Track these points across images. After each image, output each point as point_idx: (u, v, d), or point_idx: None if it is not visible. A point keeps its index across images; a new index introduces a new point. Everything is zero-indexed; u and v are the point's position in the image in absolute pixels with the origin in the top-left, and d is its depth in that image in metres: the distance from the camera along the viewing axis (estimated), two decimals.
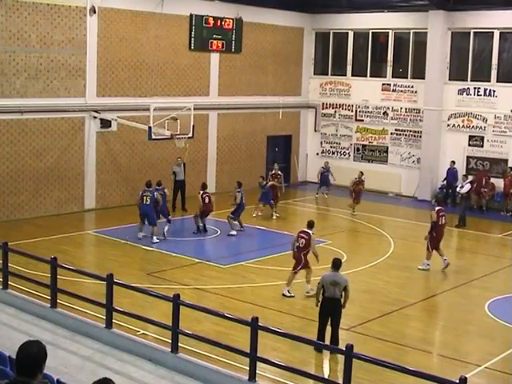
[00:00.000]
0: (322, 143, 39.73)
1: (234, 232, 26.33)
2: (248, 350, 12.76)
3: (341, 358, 12.44)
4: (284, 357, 14.57)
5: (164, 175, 30.71)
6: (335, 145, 39.31)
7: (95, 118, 29.52)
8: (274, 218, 28.95)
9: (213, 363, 13.69)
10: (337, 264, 16.14)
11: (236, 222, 26.64)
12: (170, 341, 13.88)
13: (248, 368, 12.76)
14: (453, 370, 14.00)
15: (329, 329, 15.73)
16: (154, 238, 24.75)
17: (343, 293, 15.83)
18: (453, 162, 34.65)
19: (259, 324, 12.63)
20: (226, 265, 22.63)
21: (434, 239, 22.90)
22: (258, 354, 12.70)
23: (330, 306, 15.79)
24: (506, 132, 33.88)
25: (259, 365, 12.83)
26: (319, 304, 16.01)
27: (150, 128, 27.59)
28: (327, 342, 15.40)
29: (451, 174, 34.46)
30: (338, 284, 15.72)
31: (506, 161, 33.79)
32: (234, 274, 21.73)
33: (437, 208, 23.42)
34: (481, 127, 34.57)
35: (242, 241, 26.16)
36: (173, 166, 30.10)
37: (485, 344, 17.32)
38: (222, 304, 18.43)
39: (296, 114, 39.33)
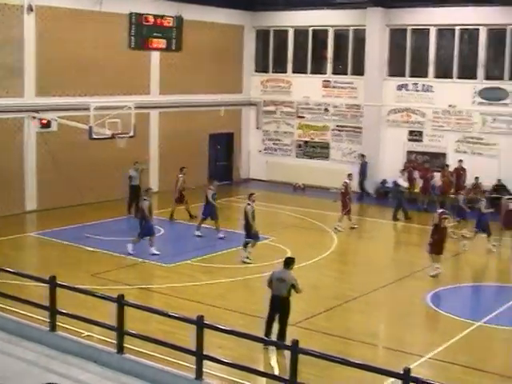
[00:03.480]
0: (263, 140, 39.83)
1: (221, 234, 25.98)
2: (194, 349, 12.78)
3: (287, 353, 12.50)
4: (230, 354, 14.61)
5: (106, 175, 30.58)
6: (277, 142, 39.46)
7: (34, 118, 29.16)
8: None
9: (159, 363, 13.66)
10: (287, 262, 16.26)
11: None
12: (116, 342, 13.82)
13: (195, 366, 12.78)
14: (397, 362, 14.19)
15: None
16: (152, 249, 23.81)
17: (291, 292, 15.85)
18: (363, 156, 35.51)
19: (205, 322, 12.65)
20: (171, 264, 22.59)
21: (435, 242, 22.39)
22: (205, 352, 12.72)
23: (277, 304, 15.92)
24: (443, 126, 34.41)
25: (206, 363, 12.85)
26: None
27: (90, 128, 27.38)
28: (274, 337, 15.55)
29: (363, 167, 35.16)
30: (284, 281, 15.80)
31: (444, 155, 34.33)
32: (178, 273, 21.70)
33: (440, 211, 23.08)
34: (419, 122, 35.06)
35: (187, 239, 26.11)
36: (130, 170, 29.56)
37: (427, 335, 17.62)
38: (168, 303, 18.40)
39: (238, 111, 39.38)
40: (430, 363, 15.47)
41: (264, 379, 14.08)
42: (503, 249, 25.54)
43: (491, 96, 33.34)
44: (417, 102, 35.11)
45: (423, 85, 34.95)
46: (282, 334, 15.79)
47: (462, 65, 34.33)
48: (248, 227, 22.93)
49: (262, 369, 14.53)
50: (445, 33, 34.83)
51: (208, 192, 26.19)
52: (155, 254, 23.29)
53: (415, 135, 35.27)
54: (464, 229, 26.98)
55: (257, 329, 15.95)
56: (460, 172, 32.65)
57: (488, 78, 33.61)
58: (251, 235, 22.92)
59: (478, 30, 33.54)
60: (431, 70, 34.78)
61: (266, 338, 15.13)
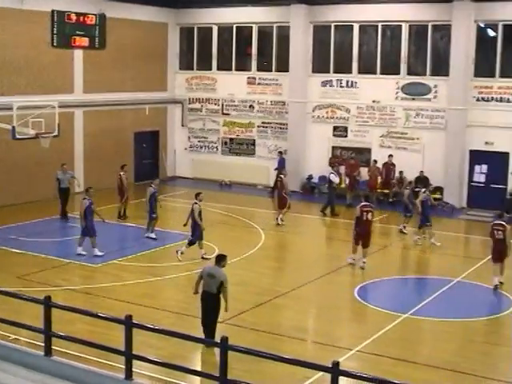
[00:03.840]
0: (189, 138, 39.73)
1: (153, 235, 25.81)
2: (123, 349, 12.67)
3: (217, 350, 12.49)
4: (160, 353, 14.55)
5: (30, 176, 30.12)
6: (203, 139, 39.40)
7: None
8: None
9: (88, 364, 13.51)
10: (218, 259, 16.31)
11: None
12: (43, 344, 13.62)
13: (124, 367, 12.67)
14: (326, 356, 14.31)
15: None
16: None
17: (222, 290, 15.86)
18: (280, 153, 35.95)
19: (133, 322, 12.55)
20: (98, 264, 22.38)
21: (358, 235, 22.93)
22: (134, 352, 12.62)
23: (206, 300, 15.97)
24: (368, 122, 34.83)
25: (135, 362, 12.76)
26: (198, 294, 16.27)
27: (13, 127, 26.93)
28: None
29: (280, 163, 35.46)
30: (213, 277, 15.84)
31: (369, 150, 34.78)
32: (106, 273, 21.52)
33: (362, 203, 23.36)
34: (344, 118, 35.42)
35: (114, 239, 25.90)
36: (57, 172, 29.01)
37: (355, 328, 17.83)
38: (96, 304, 18.23)
39: (163, 109, 39.18)
40: (359, 356, 15.66)
41: (195, 377, 14.05)
42: (427, 241, 25.95)
43: (414, 91, 33.88)
44: (341, 98, 35.46)
45: (347, 81, 35.32)
46: (211, 331, 15.83)
47: (385, 61, 34.80)
48: (195, 226, 22.93)
49: (192, 367, 14.49)
50: (368, 29, 35.25)
51: (149, 190, 26.03)
52: (98, 255, 23.06)
53: (340, 131, 35.63)
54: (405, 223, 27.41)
55: (186, 327, 15.93)
56: (390, 167, 33.10)
57: (410, 73, 34.14)
58: (197, 234, 22.94)
59: (400, 26, 34.04)
60: (355, 66, 35.16)
61: (194, 336, 15.08)
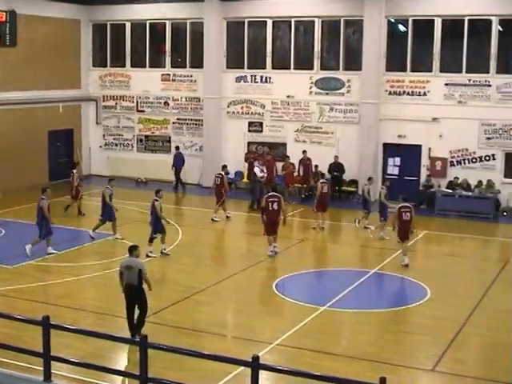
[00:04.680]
0: (104, 136, 39.37)
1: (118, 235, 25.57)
2: (41, 350, 12.52)
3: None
4: (79, 353, 14.41)
5: None
6: (118, 137, 39.09)
7: None
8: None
9: (5, 367, 13.30)
10: (130, 250, 16.36)
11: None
12: None
13: (43, 368, 12.52)
14: (247, 350, 14.39)
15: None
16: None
17: (143, 278, 15.99)
18: (177, 148, 36.39)
19: (51, 323, 12.41)
20: (14, 265, 21.98)
21: (267, 225, 23.50)
22: (52, 353, 12.48)
23: (131, 293, 15.99)
24: (283, 117, 35.09)
25: (54, 364, 12.62)
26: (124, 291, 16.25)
27: None
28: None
29: (178, 159, 35.87)
30: (131, 268, 15.90)
31: (284, 145, 35.05)
32: (22, 274, 21.16)
33: (268, 194, 23.97)
34: (259, 113, 35.60)
35: (29, 239, 25.46)
36: None
37: (275, 322, 17.95)
38: (12, 305, 17.90)
39: (77, 107, 38.71)
40: (279, 350, 15.79)
41: (116, 377, 13.97)
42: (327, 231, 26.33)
43: (327, 86, 34.26)
44: (256, 94, 35.63)
45: (261, 76, 35.50)
46: (139, 324, 16.00)
47: (299, 56, 35.09)
48: (156, 222, 23.08)
49: (114, 366, 14.40)
50: (281, 25, 35.49)
51: (105, 192, 25.69)
52: (51, 253, 23.04)
53: (255, 126, 35.81)
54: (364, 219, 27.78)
55: (104, 326, 15.83)
56: (306, 162, 33.36)
57: (324, 68, 34.50)
58: (158, 230, 23.11)
59: (313, 21, 34.35)
60: (269, 61, 35.36)
61: (113, 335, 14.98)
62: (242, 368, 13.09)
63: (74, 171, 29.23)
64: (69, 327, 13.22)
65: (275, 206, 23.46)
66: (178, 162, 35.94)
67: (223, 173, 29.62)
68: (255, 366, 10.79)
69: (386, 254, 23.99)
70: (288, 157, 33.61)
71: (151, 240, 23.16)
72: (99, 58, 39.59)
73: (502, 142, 31.43)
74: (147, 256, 22.64)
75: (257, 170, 31.59)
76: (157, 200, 23.26)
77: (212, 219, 28.39)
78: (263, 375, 11.86)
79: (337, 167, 33.12)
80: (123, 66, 38.74)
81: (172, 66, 37.65)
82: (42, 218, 23.07)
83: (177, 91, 37.45)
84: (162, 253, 23.18)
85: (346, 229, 28.91)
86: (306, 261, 24.25)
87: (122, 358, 15.33)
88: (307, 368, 12.94)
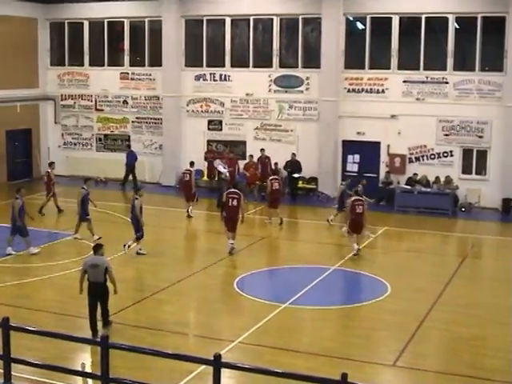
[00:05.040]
0: (63, 135, 39.09)
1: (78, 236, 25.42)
2: (1, 352, 12.40)
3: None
4: (40, 355, 14.30)
5: None
6: (77, 136, 38.84)
7: None
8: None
9: None
10: (95, 248, 16.56)
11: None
12: None
13: (2, 371, 12.41)
14: (208, 349, 14.38)
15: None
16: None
17: (107, 277, 16.23)
18: (128, 146, 36.53)
19: (10, 324, 12.30)
20: None
21: (226, 221, 23.91)
22: (13, 355, 12.37)
23: (95, 291, 16.11)
24: (242, 115, 35.13)
25: (15, 366, 12.51)
26: (83, 290, 16.38)
27: None
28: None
29: (131, 157, 35.91)
30: (97, 266, 16.09)
31: (244, 143, 35.08)
32: None
33: (228, 191, 24.33)
34: (219, 111, 35.60)
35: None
36: None
37: (236, 320, 17.98)
38: None
39: (35, 106, 38.36)
40: (241, 347, 15.81)
41: (78, 378, 13.89)
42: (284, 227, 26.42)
43: (286, 84, 34.36)
44: (215, 92, 35.62)
45: (220, 74, 35.50)
46: (105, 320, 16.26)
47: (258, 54, 35.15)
48: (137, 221, 23.17)
49: (75, 367, 14.30)
50: (240, 23, 35.51)
51: (80, 192, 25.56)
52: (10, 254, 22.95)
53: (215, 124, 35.80)
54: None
55: (65, 327, 15.73)
56: (265, 160, 33.35)
57: (283, 66, 34.61)
58: (140, 229, 23.20)
59: (271, 19, 34.42)
60: (228, 59, 35.37)
61: (74, 336, 14.89)
62: (204, 366, 13.09)
63: (48, 170, 29.58)
64: (29, 328, 13.11)
65: (234, 203, 23.70)
66: (131, 160, 35.78)
67: (192, 169, 29.68)
68: (217, 364, 10.80)
69: (347, 250, 24.10)
70: (252, 156, 33.61)
71: (138, 239, 23.31)
72: (57, 57, 39.27)
73: (460, 138, 31.77)
74: (137, 254, 23.03)
75: (220, 167, 31.62)
76: (137, 198, 23.34)
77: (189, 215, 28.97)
78: (225, 373, 11.88)
79: (293, 165, 33.15)
80: (81, 64, 38.48)
81: (131, 65, 37.49)
82: (13, 217, 22.99)
83: (136, 90, 37.29)
84: (137, 253, 23.27)
85: (306, 226, 29.05)
86: (267, 258, 24.32)
87: (83, 359, 15.21)
88: (269, 365, 12.98)
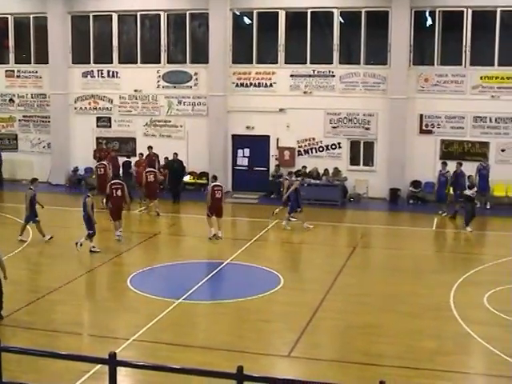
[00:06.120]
0: None
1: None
2: None
3: None
4: None
5: None
6: None
7: None
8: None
9: None
10: None
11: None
12: None
13: None
14: (104, 348, 14.24)
15: None
16: None
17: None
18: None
19: None
20: None
21: (112, 211, 24.94)
22: None
23: None
24: (131, 111, 34.94)
25: None
26: None
27: None
28: None
29: None
30: None
31: (134, 139, 34.92)
32: None
33: (112, 181, 25.37)
34: (107, 108, 35.31)
35: None
36: None
37: (131, 318, 17.87)
38: None
39: None
40: (136, 345, 15.76)
41: None
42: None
43: (175, 79, 34.38)
44: (103, 89, 35.33)
45: (108, 71, 35.21)
46: None
47: (146, 50, 35.04)
48: (89, 219, 23.24)
49: None
50: (127, 19, 35.26)
51: (28, 193, 25.01)
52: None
53: (104, 121, 35.51)
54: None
55: None
56: (152, 158, 33.14)
57: (171, 61, 34.60)
58: (91, 227, 23.22)
59: (158, 15, 34.34)
60: (115, 56, 35.11)
61: None
62: (100, 366, 13.02)
63: None
64: None
65: (119, 193, 24.84)
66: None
67: (105, 163, 29.70)
68: (112, 362, 10.76)
69: (239, 244, 24.31)
70: (142, 154, 33.32)
71: (90, 236, 23.36)
72: None
73: (347, 130, 32.45)
74: (91, 251, 23.06)
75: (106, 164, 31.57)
76: (88, 196, 23.38)
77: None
78: (121, 372, 11.84)
79: (176, 163, 32.55)
80: None
81: (16, 62, 36.78)
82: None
83: (22, 88, 36.61)
84: (91, 251, 23.31)
85: (199, 221, 29.06)
86: (160, 255, 24.29)
87: None
88: (165, 361, 13.01)
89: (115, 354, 10.79)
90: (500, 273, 21.24)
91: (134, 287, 19.84)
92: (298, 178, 29.04)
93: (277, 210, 28.22)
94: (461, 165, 29.52)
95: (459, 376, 14.43)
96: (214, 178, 26.04)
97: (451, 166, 29.73)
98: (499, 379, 14.26)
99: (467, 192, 26.77)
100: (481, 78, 31.46)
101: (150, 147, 33.16)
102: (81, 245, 23.25)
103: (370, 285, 20.36)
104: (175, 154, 32.57)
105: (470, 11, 31.30)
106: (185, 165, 33.07)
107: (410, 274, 21.20)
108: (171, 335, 16.40)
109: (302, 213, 27.25)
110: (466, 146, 31.80)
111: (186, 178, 33.94)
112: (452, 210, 29.07)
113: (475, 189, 27.13)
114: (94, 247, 23.36)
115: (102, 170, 29.50)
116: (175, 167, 32.24)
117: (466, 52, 31.55)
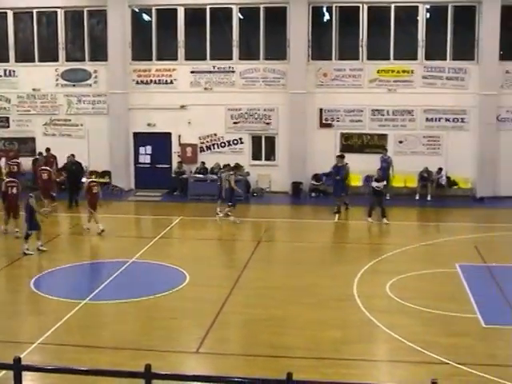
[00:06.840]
0: None
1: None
2: None
3: None
4: None
5: None
6: None
7: None
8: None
9: None
10: None
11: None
12: None
13: None
14: (7, 353, 14.04)
15: None
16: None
17: None
18: None
19: None
20: None
21: (6, 208, 25.39)
22: None
23: None
24: (30, 111, 34.36)
25: None
26: None
27: None
28: None
29: None
30: None
31: (33, 139, 34.36)
32: None
33: (7, 180, 26.10)
34: (5, 108, 34.64)
35: None
36: None
37: (35, 321, 17.63)
38: None
39: None
40: (42, 348, 15.54)
41: None
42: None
43: (74, 77, 34.00)
44: (0, 88, 34.58)
45: (5, 70, 34.53)
46: None
47: (43, 48, 34.49)
48: (31, 219, 22.96)
49: None
50: (22, 16, 34.61)
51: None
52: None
53: (1, 121, 34.82)
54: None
55: None
56: (50, 159, 32.67)
57: (69, 59, 34.18)
58: (34, 227, 22.95)
59: (55, 12, 33.87)
60: (12, 54, 34.45)
61: None
62: (4, 372, 12.80)
63: None
64: None
65: (14, 191, 25.16)
66: None
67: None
68: (17, 368, 10.59)
69: (143, 242, 24.23)
70: (41, 153, 32.83)
71: (27, 237, 22.92)
72: None
73: (248, 125, 32.69)
74: (24, 254, 22.48)
75: (2, 164, 31.03)
76: (31, 197, 23.12)
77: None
78: (27, 376, 11.66)
79: (74, 165, 31.80)
80: None
81: None
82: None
83: None
84: (38, 249, 22.97)
85: (103, 220, 28.81)
86: (63, 256, 23.94)
87: None
88: (72, 364, 12.91)
89: (20, 358, 10.63)
90: (401, 261, 21.82)
91: (37, 289, 19.55)
92: (231, 172, 28.69)
93: (227, 209, 28.08)
94: (342, 157, 29.24)
95: (365, 364, 14.76)
96: (91, 173, 27.22)
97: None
98: (403, 364, 14.63)
99: (373, 184, 27.36)
100: (377, 71, 32.17)
101: (48, 149, 32.78)
102: (41, 245, 23.26)
103: (274, 278, 20.59)
104: (72, 155, 31.67)
105: (365, 7, 31.99)
106: (84, 165, 32.40)
107: (313, 266, 21.52)
108: (77, 337, 16.23)
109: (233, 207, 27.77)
110: (365, 139, 32.47)
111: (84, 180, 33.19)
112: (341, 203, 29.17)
113: (384, 182, 27.72)
114: (27, 249, 22.86)
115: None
116: (73, 169, 31.41)
117: (362, 47, 32.19)
